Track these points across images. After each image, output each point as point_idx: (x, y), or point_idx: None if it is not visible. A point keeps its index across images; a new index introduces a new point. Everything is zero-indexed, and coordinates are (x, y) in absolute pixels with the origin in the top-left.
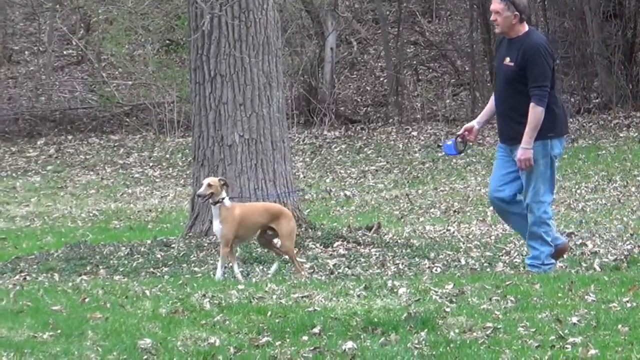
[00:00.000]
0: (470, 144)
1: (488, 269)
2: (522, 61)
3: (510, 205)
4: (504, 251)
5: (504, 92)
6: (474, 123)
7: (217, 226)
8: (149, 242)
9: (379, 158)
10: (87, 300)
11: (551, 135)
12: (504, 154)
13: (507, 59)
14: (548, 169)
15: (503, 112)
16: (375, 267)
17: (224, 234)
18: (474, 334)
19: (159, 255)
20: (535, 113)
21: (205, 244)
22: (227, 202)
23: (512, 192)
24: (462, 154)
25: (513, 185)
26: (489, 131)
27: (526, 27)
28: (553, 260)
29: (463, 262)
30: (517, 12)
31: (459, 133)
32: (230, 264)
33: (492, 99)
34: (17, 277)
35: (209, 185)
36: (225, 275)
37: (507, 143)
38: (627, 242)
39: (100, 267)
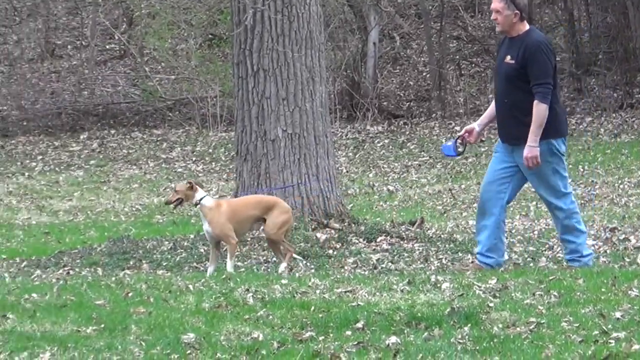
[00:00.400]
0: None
1: (531, 264)
2: (523, 59)
3: (495, 205)
4: (547, 246)
5: (505, 91)
6: (475, 125)
7: (205, 227)
8: (192, 236)
9: (422, 153)
10: (130, 294)
11: (554, 134)
12: (501, 152)
13: (508, 57)
14: (560, 166)
15: (504, 111)
16: (419, 262)
17: (218, 233)
18: (518, 329)
19: (202, 250)
20: (540, 110)
21: (249, 239)
22: (206, 201)
23: (506, 197)
24: (461, 156)
25: (510, 191)
26: None
27: (527, 26)
28: (591, 250)
29: (506, 257)
30: (517, 11)
31: (459, 134)
32: (212, 264)
33: (493, 103)
34: (61, 271)
35: (176, 191)
36: (269, 269)
37: (508, 143)
38: None
39: (144, 261)
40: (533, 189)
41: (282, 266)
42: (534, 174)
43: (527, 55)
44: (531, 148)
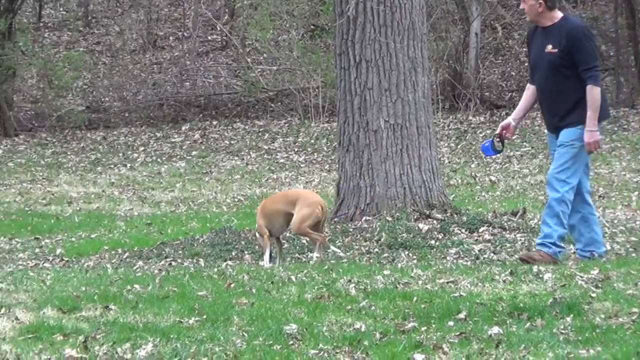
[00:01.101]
0: (508, 141)
1: (634, 254)
2: (567, 44)
3: (572, 202)
4: None
5: (550, 81)
6: (511, 120)
7: None
8: None
9: (524, 143)
10: (232, 285)
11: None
12: (555, 150)
13: (550, 47)
14: (581, 156)
15: (551, 101)
16: (521, 253)
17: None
18: (620, 319)
19: (304, 241)
20: (594, 94)
21: (351, 229)
22: None
23: (581, 189)
24: (501, 154)
25: (583, 181)
26: (634, 116)
27: (559, 14)
28: (563, 245)
29: (608, 247)
30: (541, 1)
31: (496, 132)
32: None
33: (526, 94)
34: (163, 262)
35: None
36: (371, 260)
37: (556, 133)
38: None
39: (246, 252)
40: (636, 179)
41: (314, 256)
42: (559, 151)
43: (572, 41)
44: (591, 133)
